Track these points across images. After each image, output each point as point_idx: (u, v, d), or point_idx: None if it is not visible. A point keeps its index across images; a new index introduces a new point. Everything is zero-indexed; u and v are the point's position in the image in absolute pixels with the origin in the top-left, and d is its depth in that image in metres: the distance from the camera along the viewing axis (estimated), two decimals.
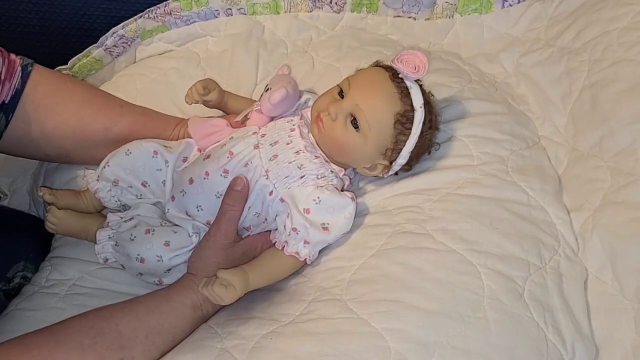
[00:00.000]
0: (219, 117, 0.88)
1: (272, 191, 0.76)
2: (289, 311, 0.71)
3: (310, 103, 0.83)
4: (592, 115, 0.84)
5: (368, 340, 0.66)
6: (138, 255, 0.77)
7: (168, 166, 0.82)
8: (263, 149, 0.77)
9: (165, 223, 0.81)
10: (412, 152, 0.78)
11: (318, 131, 0.77)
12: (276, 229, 0.78)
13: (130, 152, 0.82)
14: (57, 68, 1.01)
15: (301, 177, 0.76)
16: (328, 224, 0.74)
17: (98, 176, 0.83)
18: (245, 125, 0.82)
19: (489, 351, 0.66)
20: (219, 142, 0.81)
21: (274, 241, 0.77)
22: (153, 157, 0.82)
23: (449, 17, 1.03)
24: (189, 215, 0.79)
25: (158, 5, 1.03)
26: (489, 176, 0.79)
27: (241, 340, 0.69)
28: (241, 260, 0.76)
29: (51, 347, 0.65)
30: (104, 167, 0.82)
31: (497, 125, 0.85)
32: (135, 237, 0.78)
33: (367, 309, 0.68)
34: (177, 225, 0.79)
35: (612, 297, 0.74)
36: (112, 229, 0.81)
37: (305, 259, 0.75)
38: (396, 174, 0.81)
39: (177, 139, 0.87)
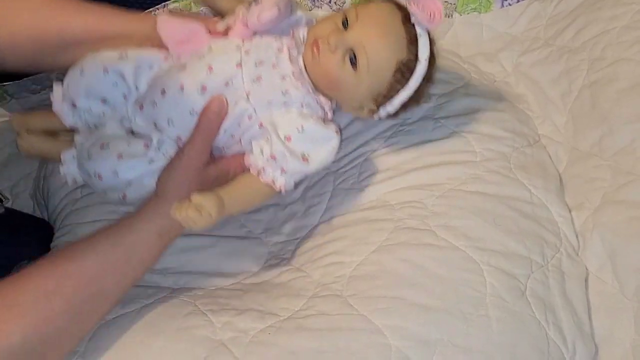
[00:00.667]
0: (192, 19, 0.78)
1: (251, 115, 0.71)
2: (287, 306, 0.69)
3: (304, 22, 0.77)
4: (591, 114, 0.84)
5: (368, 337, 0.64)
6: (95, 172, 0.74)
7: (125, 79, 0.76)
8: (246, 69, 0.70)
9: (127, 138, 0.76)
10: (403, 102, 0.74)
11: (312, 58, 0.70)
12: (251, 152, 0.72)
13: (83, 71, 0.76)
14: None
15: (284, 104, 0.70)
16: (309, 155, 0.70)
17: (63, 95, 0.79)
18: (226, 36, 0.75)
19: (490, 349, 0.65)
20: (195, 51, 0.73)
21: (248, 165, 0.72)
22: (104, 74, 0.76)
23: (449, 17, 1.03)
24: (158, 129, 0.74)
25: (157, 7, 1.01)
26: (492, 173, 0.78)
27: (238, 333, 0.67)
28: (214, 184, 0.71)
29: (15, 295, 0.61)
30: (65, 87, 0.78)
31: (498, 123, 0.84)
32: (91, 154, 0.74)
33: (367, 305, 0.67)
34: (141, 137, 0.75)
35: (612, 296, 0.73)
36: (76, 149, 0.78)
37: (280, 188, 0.71)
38: (379, 118, 0.77)
39: (142, 38, 0.77)
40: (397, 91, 0.72)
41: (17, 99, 1.08)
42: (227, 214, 0.68)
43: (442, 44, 1.03)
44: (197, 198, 0.64)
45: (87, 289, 0.64)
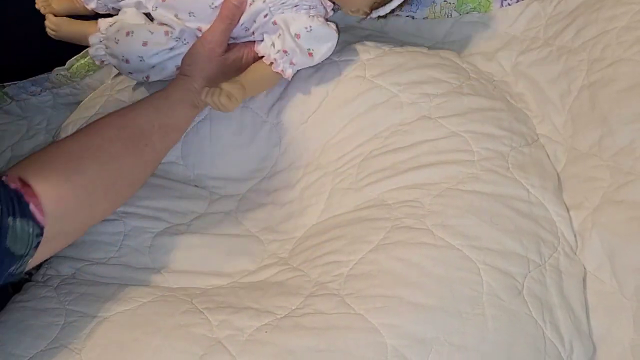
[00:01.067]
0: None
1: (267, 14, 0.83)
2: (284, 304, 0.69)
3: None
4: (591, 114, 0.83)
5: (365, 336, 0.64)
6: (122, 56, 0.85)
7: None
8: None
9: (148, 25, 0.86)
10: (392, 8, 0.88)
11: None
12: (261, 41, 0.85)
13: None
14: (55, 69, 1.00)
15: (295, 6, 0.82)
16: (313, 50, 0.83)
17: None
18: None
19: (486, 348, 0.65)
20: None
21: (260, 54, 0.85)
22: None
23: (448, 16, 1.02)
24: (179, 19, 0.84)
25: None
26: (489, 172, 0.77)
27: (234, 331, 0.67)
28: (230, 68, 0.85)
29: (79, 148, 0.71)
30: None
31: (496, 122, 0.84)
32: (118, 40, 0.85)
33: (364, 304, 0.66)
34: (161, 24, 0.85)
35: (610, 296, 0.72)
36: (102, 34, 0.87)
37: (288, 76, 0.85)
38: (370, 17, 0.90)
39: None
40: (390, 0, 0.86)
41: (17, 100, 1.08)
42: (246, 97, 0.83)
43: (441, 43, 1.03)
44: (227, 86, 0.79)
45: (140, 141, 0.76)
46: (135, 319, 0.70)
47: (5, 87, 1.06)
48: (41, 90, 1.06)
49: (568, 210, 0.79)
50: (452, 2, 1.01)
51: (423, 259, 0.69)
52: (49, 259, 0.84)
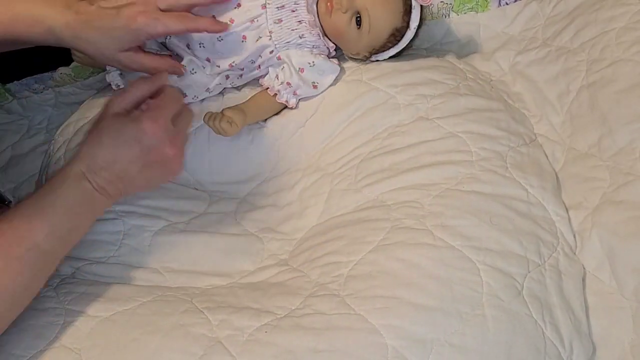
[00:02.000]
0: None
1: (272, 50, 0.86)
2: (284, 304, 0.68)
3: None
4: (590, 115, 0.83)
5: (365, 336, 0.63)
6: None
7: None
8: (270, 10, 0.85)
9: (159, 51, 0.87)
10: (390, 55, 0.92)
11: (325, 11, 0.87)
12: (266, 74, 0.89)
13: None
14: (60, 68, 0.99)
15: (299, 45, 0.87)
16: (317, 83, 0.87)
17: None
18: None
19: (486, 349, 0.64)
20: None
21: (265, 86, 0.88)
22: None
23: (445, 16, 1.02)
24: (190, 49, 0.87)
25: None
26: (488, 172, 0.77)
27: (234, 331, 0.66)
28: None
29: None
30: None
31: (493, 122, 0.83)
32: None
33: (364, 305, 0.66)
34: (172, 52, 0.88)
35: (610, 296, 0.72)
36: None
37: (292, 106, 0.88)
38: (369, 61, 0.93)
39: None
40: (388, 48, 0.91)
41: (19, 98, 1.07)
42: (247, 124, 0.86)
43: (438, 43, 1.02)
44: (228, 112, 0.83)
45: (21, 245, 0.62)
46: (135, 319, 0.69)
47: (7, 84, 1.06)
48: (43, 88, 1.06)
49: (567, 210, 0.78)
50: (449, 3, 1.01)
51: (423, 259, 0.69)
52: None
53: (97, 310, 0.71)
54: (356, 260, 0.71)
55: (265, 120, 0.90)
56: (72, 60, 1.00)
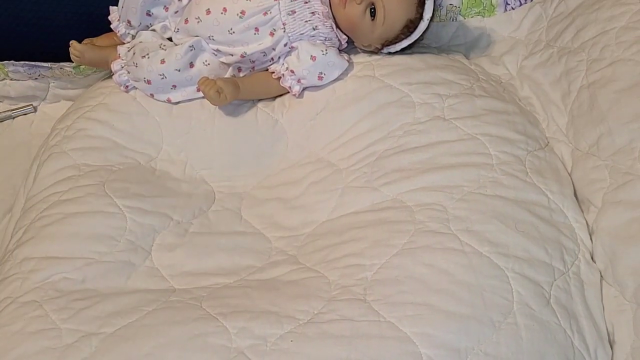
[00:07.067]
0: None
1: (286, 43, 0.84)
2: (305, 308, 0.63)
3: None
4: (590, 114, 0.80)
5: (398, 345, 0.59)
6: (144, 78, 0.84)
7: None
8: (283, 2, 0.82)
9: (163, 46, 0.86)
10: (403, 47, 0.88)
11: (339, 2, 0.84)
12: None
13: None
14: (61, 63, 0.95)
15: (312, 36, 0.84)
16: (325, 74, 0.84)
17: (119, 16, 0.90)
18: None
19: (520, 358, 0.60)
20: None
21: (270, 70, 0.86)
22: None
23: (453, 20, 0.99)
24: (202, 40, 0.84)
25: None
26: (509, 176, 0.74)
27: (256, 340, 0.60)
28: None
29: None
30: (120, 7, 0.89)
31: (510, 125, 0.80)
32: (137, 63, 0.85)
33: (394, 311, 0.61)
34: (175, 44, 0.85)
35: (613, 299, 0.69)
36: (123, 59, 0.87)
37: (295, 93, 0.85)
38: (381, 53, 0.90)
39: None
40: (401, 40, 0.87)
41: (12, 79, 0.99)
42: (239, 99, 0.83)
43: (447, 46, 0.99)
44: (220, 82, 0.80)
45: None
46: (142, 331, 0.62)
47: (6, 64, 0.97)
48: (39, 76, 0.98)
49: (584, 216, 0.76)
50: (457, 6, 0.98)
51: (451, 265, 0.64)
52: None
53: (99, 327, 0.63)
54: (380, 263, 0.66)
55: (274, 113, 0.86)
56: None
